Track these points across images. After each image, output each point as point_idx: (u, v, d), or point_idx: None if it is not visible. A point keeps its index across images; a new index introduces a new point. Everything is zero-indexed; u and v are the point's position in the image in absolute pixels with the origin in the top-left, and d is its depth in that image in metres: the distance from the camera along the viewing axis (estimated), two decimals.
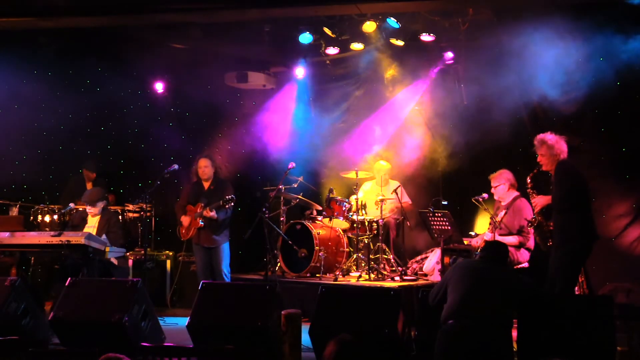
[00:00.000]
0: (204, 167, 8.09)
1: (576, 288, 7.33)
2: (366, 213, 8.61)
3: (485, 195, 7.55)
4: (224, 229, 8.02)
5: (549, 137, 6.51)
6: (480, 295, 4.98)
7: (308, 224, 8.59)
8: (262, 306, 5.64)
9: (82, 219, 7.96)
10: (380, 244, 8.32)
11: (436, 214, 7.54)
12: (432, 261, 8.36)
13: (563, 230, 6.36)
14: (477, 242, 7.44)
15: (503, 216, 7.23)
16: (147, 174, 9.69)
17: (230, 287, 6.86)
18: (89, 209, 7.84)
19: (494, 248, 5.45)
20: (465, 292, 5.01)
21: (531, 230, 7.00)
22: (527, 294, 5.21)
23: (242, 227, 8.29)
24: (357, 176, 8.62)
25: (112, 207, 9.30)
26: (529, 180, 6.75)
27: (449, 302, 5.07)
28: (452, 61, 8.89)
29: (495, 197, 7.58)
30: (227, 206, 7.79)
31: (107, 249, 7.38)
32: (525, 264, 7.25)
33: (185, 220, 8.00)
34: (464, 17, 8.27)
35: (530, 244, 7.28)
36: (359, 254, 8.43)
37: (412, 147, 9.11)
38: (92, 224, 7.81)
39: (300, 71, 9.59)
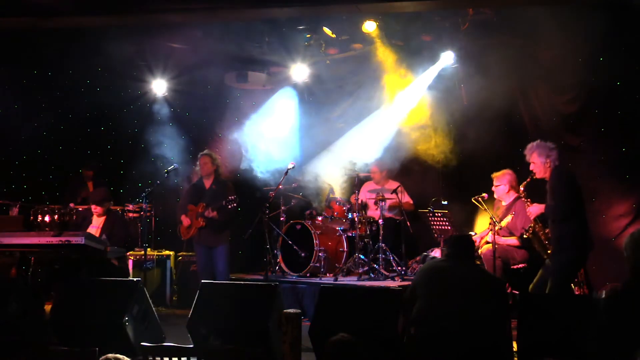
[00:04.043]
0: (203, 164, 8.12)
1: (576, 288, 7.34)
2: (366, 213, 8.61)
3: (485, 195, 7.54)
4: (224, 229, 8.02)
5: (536, 144, 6.49)
6: (450, 299, 4.86)
7: (308, 224, 8.58)
8: (262, 306, 5.63)
9: (84, 218, 7.92)
10: (380, 244, 8.33)
11: (436, 214, 7.53)
12: None
13: (557, 239, 6.37)
14: (476, 242, 7.41)
15: (509, 222, 7.17)
16: (147, 174, 9.69)
17: (230, 287, 6.84)
18: (94, 208, 7.81)
19: (457, 243, 5.23)
20: (434, 299, 4.91)
21: None
22: (494, 285, 5.13)
23: (242, 227, 8.28)
24: (357, 176, 8.61)
25: (111, 208, 9.32)
26: (522, 189, 6.73)
27: (418, 307, 4.98)
28: (452, 61, 8.90)
29: (495, 196, 7.58)
30: (229, 207, 7.80)
31: (107, 249, 7.37)
32: (525, 264, 7.24)
33: (185, 220, 8.01)
34: (464, 17, 8.27)
35: None
36: (359, 254, 8.43)
37: (411, 147, 9.10)
38: (96, 224, 7.78)
39: (300, 71, 9.59)
